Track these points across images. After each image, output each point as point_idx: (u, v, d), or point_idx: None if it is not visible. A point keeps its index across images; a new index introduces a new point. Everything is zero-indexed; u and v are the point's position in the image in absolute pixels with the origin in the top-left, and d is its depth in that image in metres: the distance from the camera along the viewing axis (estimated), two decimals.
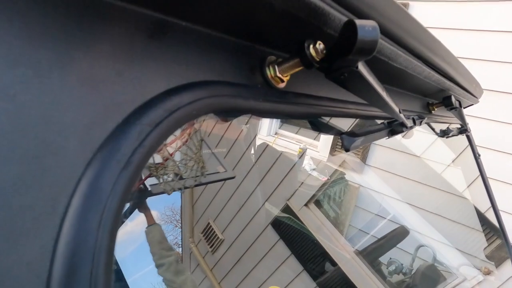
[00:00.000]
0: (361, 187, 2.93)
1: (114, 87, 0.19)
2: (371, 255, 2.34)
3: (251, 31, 0.29)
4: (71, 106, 0.17)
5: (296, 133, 3.33)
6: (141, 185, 1.53)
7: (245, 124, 2.32)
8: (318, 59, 0.30)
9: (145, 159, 0.19)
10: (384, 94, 0.38)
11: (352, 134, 0.40)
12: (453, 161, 2.22)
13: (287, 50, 0.33)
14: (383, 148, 2.87)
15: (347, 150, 0.40)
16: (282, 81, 0.33)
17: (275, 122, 3.28)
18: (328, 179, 2.80)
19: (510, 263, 1.46)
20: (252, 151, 2.82)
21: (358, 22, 0.27)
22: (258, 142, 3.02)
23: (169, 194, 1.51)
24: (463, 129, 0.97)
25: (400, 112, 0.46)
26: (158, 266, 1.60)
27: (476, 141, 1.51)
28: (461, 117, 0.89)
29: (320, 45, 0.30)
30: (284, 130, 3.27)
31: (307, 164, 2.81)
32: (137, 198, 1.60)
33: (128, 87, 0.20)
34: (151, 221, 1.68)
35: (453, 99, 0.83)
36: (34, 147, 0.15)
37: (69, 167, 0.16)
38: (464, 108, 1.28)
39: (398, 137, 2.71)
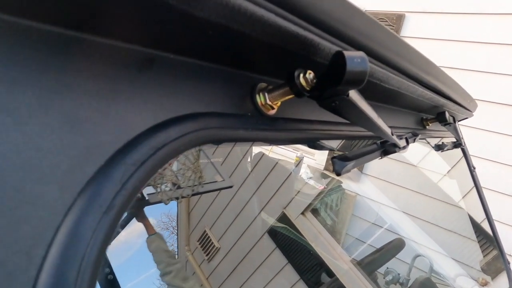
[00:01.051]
0: (358, 196, 2.93)
1: (98, 127, 0.19)
2: (368, 267, 2.33)
3: (241, 60, 0.29)
4: (51, 151, 0.16)
5: None
6: (139, 195, 1.52)
7: None
8: (308, 88, 0.30)
9: (129, 200, 0.18)
10: (376, 119, 0.38)
11: (344, 158, 0.40)
12: (448, 172, 2.22)
13: (278, 76, 0.33)
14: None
15: (338, 175, 0.40)
16: (273, 108, 0.32)
17: None
18: (325, 187, 2.79)
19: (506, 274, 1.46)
20: (249, 160, 2.82)
21: (347, 54, 0.27)
22: (255, 150, 3.01)
23: (166, 204, 1.51)
24: (458, 143, 0.97)
25: (392, 134, 0.46)
26: (165, 274, 1.60)
27: (472, 151, 1.52)
28: (456, 132, 0.89)
29: (310, 75, 0.30)
30: None
31: (304, 172, 2.81)
32: (135, 207, 1.59)
33: (112, 125, 0.19)
34: (152, 231, 1.68)
35: (447, 114, 0.83)
36: (9, 199, 0.14)
37: (47, 216, 0.16)
38: (458, 121, 1.29)
39: None
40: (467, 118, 1.22)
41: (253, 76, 0.32)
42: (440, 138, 1.00)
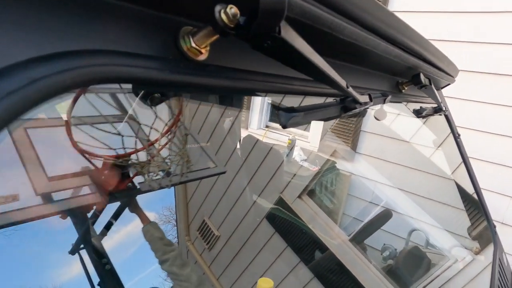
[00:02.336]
0: (352, 176, 2.93)
1: None
2: (357, 238, 2.34)
3: (162, 2, 0.27)
4: None
5: None
6: (130, 183, 1.51)
7: (229, 118, 2.30)
8: (232, 25, 0.28)
9: None
10: (321, 63, 0.36)
11: (290, 109, 0.38)
12: (440, 145, 2.21)
13: (203, 19, 0.31)
14: (373, 135, 2.87)
15: (283, 127, 0.38)
16: (201, 52, 0.31)
17: (265, 116, 3.26)
18: (319, 168, 2.79)
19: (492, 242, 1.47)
20: (241, 146, 2.81)
21: None
22: (248, 136, 3.00)
23: (154, 190, 1.49)
24: (438, 108, 0.96)
25: (347, 87, 0.44)
26: (163, 261, 1.61)
27: (458, 122, 1.50)
28: (434, 96, 0.87)
29: (231, 9, 0.28)
30: (274, 123, 3.25)
31: (297, 155, 2.80)
32: (127, 196, 1.58)
33: None
34: (146, 220, 1.67)
35: (422, 76, 0.81)
36: None
37: None
38: (442, 88, 1.27)
39: (386, 122, 2.70)
40: (449, 84, 1.20)
41: (179, 20, 0.31)
42: (420, 104, 0.99)
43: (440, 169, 2.27)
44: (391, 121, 2.62)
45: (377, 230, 2.25)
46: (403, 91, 0.85)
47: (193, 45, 0.30)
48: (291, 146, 2.90)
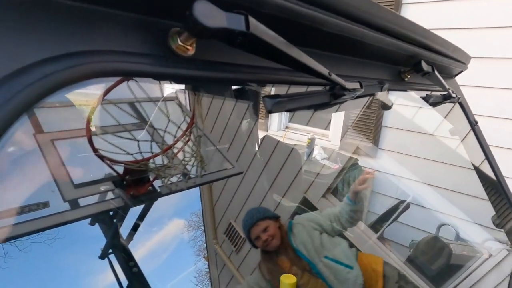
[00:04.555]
0: (376, 172, 2.89)
1: None
2: (374, 227, 2.31)
3: (152, 7, 0.33)
4: None
5: (306, 124, 3.31)
6: (150, 187, 1.60)
7: (247, 120, 2.35)
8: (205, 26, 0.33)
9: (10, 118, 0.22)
10: (296, 54, 0.40)
11: (275, 96, 0.42)
12: (465, 137, 2.15)
13: None
14: (395, 130, 2.82)
15: (269, 112, 0.42)
16: (188, 49, 0.36)
17: (284, 117, 3.28)
18: (340, 166, 2.78)
19: None
20: (262, 148, 2.84)
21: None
22: (268, 138, 3.04)
23: (174, 193, 1.57)
24: (448, 95, 0.95)
25: (330, 75, 0.47)
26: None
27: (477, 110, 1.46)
28: (439, 83, 0.88)
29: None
30: (294, 123, 3.27)
31: (317, 154, 2.80)
32: (148, 200, 1.66)
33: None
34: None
35: (423, 64, 0.83)
36: None
37: None
38: (455, 75, 1.26)
39: (408, 115, 2.64)
40: (461, 71, 1.19)
41: (168, 22, 0.36)
42: (429, 92, 0.99)
43: (465, 160, 2.20)
44: (413, 114, 2.57)
45: (395, 218, 2.21)
46: (405, 79, 0.86)
47: (180, 43, 0.35)
48: (311, 145, 2.90)
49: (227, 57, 0.41)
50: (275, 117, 3.21)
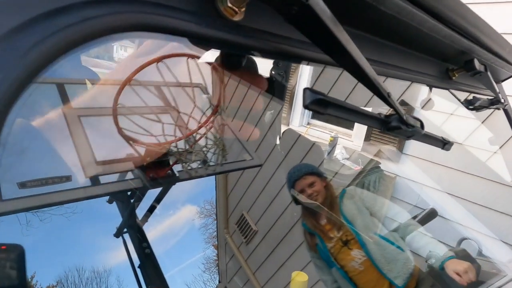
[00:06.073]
0: (397, 177, 2.79)
1: None
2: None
3: None
4: None
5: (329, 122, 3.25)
6: (169, 171, 1.59)
7: (271, 111, 2.31)
8: None
9: (48, 58, 0.19)
10: (352, 48, 0.34)
11: (318, 93, 0.37)
12: (500, 147, 2.03)
13: None
14: None
15: (304, 106, 0.36)
16: (236, 12, 0.32)
17: (307, 113, 3.22)
18: (361, 168, 2.70)
19: None
20: (282, 141, 2.80)
21: None
22: (289, 131, 2.99)
23: (192, 179, 1.55)
24: (495, 100, 0.88)
25: (389, 96, 0.41)
26: None
27: None
28: (490, 85, 0.81)
29: None
30: (316, 120, 3.20)
31: (339, 153, 2.74)
32: (167, 183, 1.66)
33: None
34: None
35: (476, 62, 0.76)
36: None
37: None
38: (502, 81, 1.17)
39: (438, 122, 2.53)
40: (511, 76, 1.10)
41: None
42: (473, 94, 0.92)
43: (496, 175, 2.09)
44: (443, 121, 2.46)
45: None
46: (453, 78, 0.79)
47: (229, 5, 0.32)
48: (333, 144, 2.83)
49: (274, 28, 0.37)
50: (297, 112, 3.15)
